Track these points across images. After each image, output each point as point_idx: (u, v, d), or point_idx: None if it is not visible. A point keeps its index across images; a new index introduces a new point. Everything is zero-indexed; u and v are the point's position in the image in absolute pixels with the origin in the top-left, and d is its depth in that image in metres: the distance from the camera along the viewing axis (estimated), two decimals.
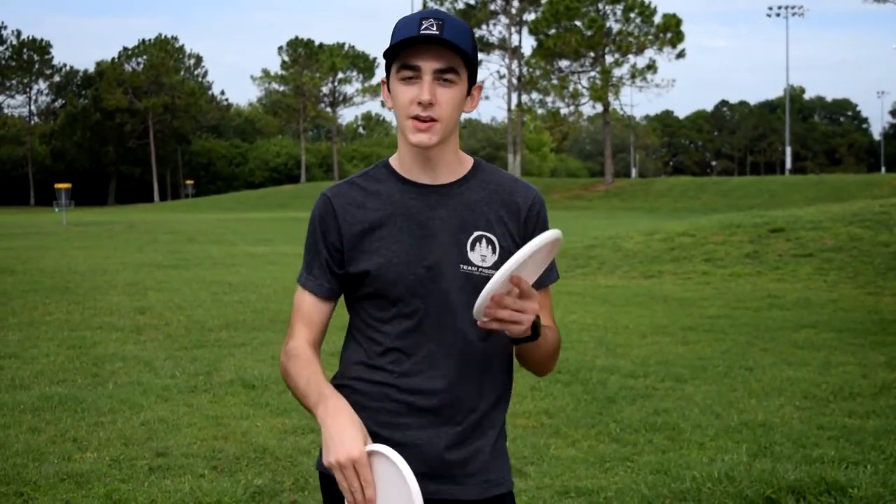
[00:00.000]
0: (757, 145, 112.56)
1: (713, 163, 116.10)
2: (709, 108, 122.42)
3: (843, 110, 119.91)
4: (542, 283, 1.97)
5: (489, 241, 1.91)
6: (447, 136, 1.88)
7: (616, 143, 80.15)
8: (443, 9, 72.14)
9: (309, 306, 1.98)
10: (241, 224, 34.73)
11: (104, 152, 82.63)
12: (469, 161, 1.98)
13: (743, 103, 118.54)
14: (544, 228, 1.95)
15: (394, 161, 1.98)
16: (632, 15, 58.61)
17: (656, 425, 5.54)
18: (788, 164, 68.66)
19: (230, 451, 5.11)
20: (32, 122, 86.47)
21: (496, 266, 1.89)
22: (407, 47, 1.83)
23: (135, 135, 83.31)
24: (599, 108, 61.31)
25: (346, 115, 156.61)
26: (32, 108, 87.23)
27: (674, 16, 57.71)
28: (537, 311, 1.76)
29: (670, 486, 4.45)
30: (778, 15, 73.18)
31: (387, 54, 1.86)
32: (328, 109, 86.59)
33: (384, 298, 1.91)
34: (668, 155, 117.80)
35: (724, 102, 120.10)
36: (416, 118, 1.84)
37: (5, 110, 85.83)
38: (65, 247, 21.75)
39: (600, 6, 59.32)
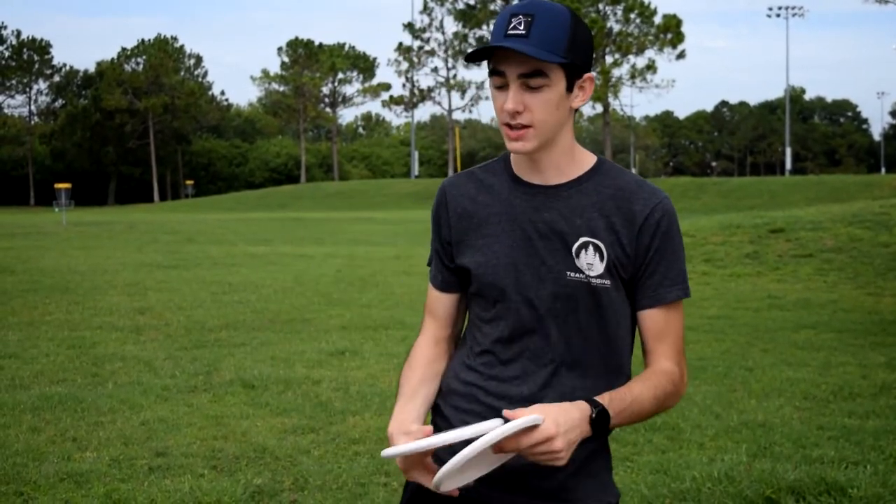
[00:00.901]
0: (757, 146, 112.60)
1: (713, 163, 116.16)
2: (709, 108, 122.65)
3: (843, 111, 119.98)
4: (660, 299, 1.80)
5: (596, 248, 1.77)
6: (548, 139, 1.77)
7: (616, 144, 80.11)
8: (443, 9, 71.81)
9: (432, 297, 1.97)
10: (240, 224, 34.69)
11: (104, 152, 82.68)
12: (589, 161, 1.84)
13: (743, 104, 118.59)
14: (665, 241, 1.79)
15: (512, 156, 1.88)
16: (632, 15, 58.65)
17: (656, 425, 5.53)
18: (788, 165, 68.66)
19: (230, 451, 5.11)
20: (32, 122, 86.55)
21: (603, 276, 1.77)
22: (489, 51, 1.71)
23: (135, 135, 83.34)
24: (599, 108, 61.32)
25: (346, 116, 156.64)
26: (32, 108, 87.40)
27: (674, 16, 57.78)
28: (557, 450, 1.59)
29: (670, 485, 4.45)
30: (778, 15, 73.37)
31: (471, 61, 1.76)
32: (328, 110, 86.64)
33: (484, 299, 1.85)
34: (668, 155, 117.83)
35: (724, 103, 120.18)
36: (508, 126, 1.74)
37: (5, 110, 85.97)
38: (65, 247, 21.73)
39: (600, 7, 59.34)
